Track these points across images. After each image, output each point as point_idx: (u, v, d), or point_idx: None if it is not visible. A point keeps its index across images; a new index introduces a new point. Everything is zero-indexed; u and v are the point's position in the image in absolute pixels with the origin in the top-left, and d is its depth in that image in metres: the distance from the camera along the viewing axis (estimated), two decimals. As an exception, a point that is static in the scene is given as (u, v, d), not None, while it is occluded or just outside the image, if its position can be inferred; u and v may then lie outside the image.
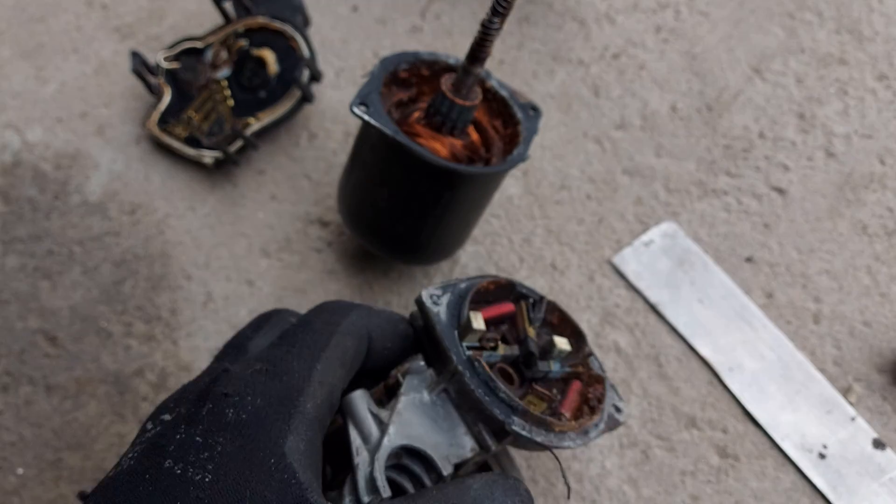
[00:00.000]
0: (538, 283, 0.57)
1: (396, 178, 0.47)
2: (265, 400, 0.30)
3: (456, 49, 0.66)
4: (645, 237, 0.57)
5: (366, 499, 0.32)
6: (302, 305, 0.57)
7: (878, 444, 0.50)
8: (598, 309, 0.56)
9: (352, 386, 0.36)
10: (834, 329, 0.54)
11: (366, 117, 0.43)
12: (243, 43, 0.64)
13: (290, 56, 0.63)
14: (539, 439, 0.35)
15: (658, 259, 0.57)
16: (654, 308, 0.55)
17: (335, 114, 0.65)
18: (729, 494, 0.50)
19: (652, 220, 0.58)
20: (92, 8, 0.71)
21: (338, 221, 0.61)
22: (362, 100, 0.44)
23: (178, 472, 0.27)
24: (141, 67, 0.63)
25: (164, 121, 0.64)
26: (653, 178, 0.59)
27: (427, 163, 0.43)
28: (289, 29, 0.64)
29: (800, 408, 0.51)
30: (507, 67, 0.65)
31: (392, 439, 0.33)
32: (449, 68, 0.50)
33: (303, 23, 0.66)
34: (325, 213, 0.61)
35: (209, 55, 0.65)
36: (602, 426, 0.38)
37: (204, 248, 0.61)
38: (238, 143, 0.61)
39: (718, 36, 0.64)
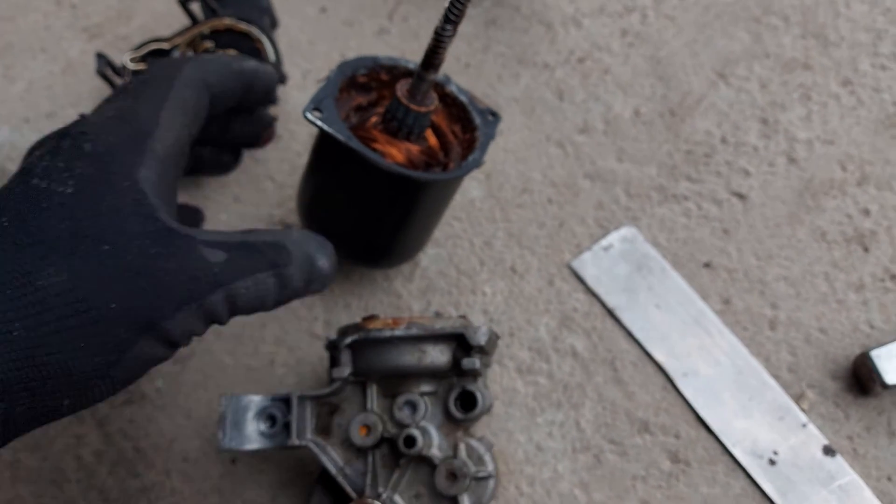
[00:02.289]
0: (498, 286, 0.57)
1: (353, 184, 0.47)
2: (118, 139, 0.35)
3: (422, 51, 0.66)
4: (604, 241, 0.57)
5: None
6: (262, 307, 0.57)
7: (829, 451, 0.50)
8: (557, 313, 0.56)
9: (212, 130, 0.46)
10: (790, 335, 0.54)
11: (318, 123, 0.43)
12: (209, 45, 0.64)
13: (256, 57, 0.63)
14: None
15: (617, 264, 0.57)
16: (611, 313, 0.55)
17: (300, 115, 0.65)
18: (680, 500, 0.50)
19: (612, 225, 0.58)
20: (61, 7, 0.71)
21: (300, 224, 0.61)
22: (316, 105, 0.44)
23: (44, 186, 0.33)
24: (106, 69, 0.63)
25: (129, 122, 0.64)
26: (614, 182, 0.60)
27: (381, 169, 0.43)
28: (255, 31, 0.64)
29: (752, 414, 0.52)
30: (472, 70, 0.65)
31: None
32: (408, 73, 0.50)
33: (270, 24, 0.66)
34: (288, 214, 0.61)
35: (176, 56, 0.65)
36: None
37: (167, 250, 0.62)
38: (201, 145, 0.61)
39: (684, 40, 0.64)
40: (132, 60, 0.65)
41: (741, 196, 0.58)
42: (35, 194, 0.32)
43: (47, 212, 0.32)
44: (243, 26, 0.64)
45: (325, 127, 0.43)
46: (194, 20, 0.65)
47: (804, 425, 0.51)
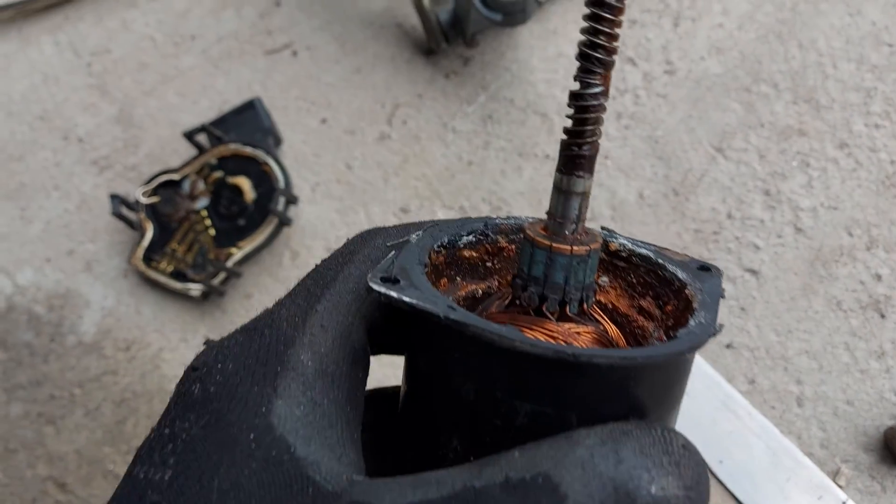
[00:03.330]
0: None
1: (469, 404, 0.24)
2: (239, 364, 0.23)
3: (425, 153, 0.67)
4: (626, 331, 0.59)
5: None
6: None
7: (871, 527, 0.51)
8: (587, 408, 0.57)
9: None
10: (818, 411, 0.55)
11: (393, 294, 0.24)
12: (218, 175, 0.65)
13: (264, 181, 0.65)
14: None
15: (640, 353, 0.58)
16: (641, 403, 0.57)
17: (314, 230, 0.67)
18: (730, 590, 0.51)
19: (631, 313, 0.59)
20: (69, 142, 0.73)
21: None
22: (386, 273, 0.25)
23: (141, 476, 0.23)
24: (120, 208, 0.65)
25: (148, 256, 0.65)
26: (628, 269, 0.61)
27: (522, 354, 0.22)
28: (261, 154, 0.65)
29: (791, 496, 0.53)
30: (475, 168, 0.66)
31: None
32: None
33: (274, 143, 0.68)
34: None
35: (186, 186, 0.66)
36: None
37: (199, 380, 0.63)
38: (222, 275, 0.63)
39: (678, 117, 0.65)
40: (144, 195, 0.67)
41: (754, 272, 0.59)
42: (129, 492, 0.23)
43: None
44: (249, 151, 0.65)
45: (406, 298, 0.23)
46: (200, 149, 0.67)
47: (844, 503, 0.52)
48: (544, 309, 0.26)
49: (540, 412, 0.23)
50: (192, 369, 0.24)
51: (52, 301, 0.67)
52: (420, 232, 0.28)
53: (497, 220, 0.29)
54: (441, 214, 0.65)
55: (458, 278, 0.29)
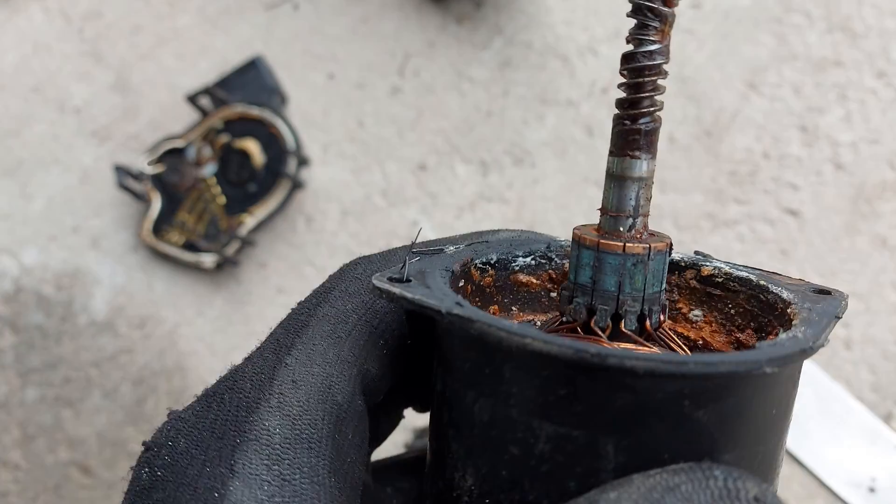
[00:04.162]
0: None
1: (483, 427, 0.20)
2: (191, 440, 0.20)
3: (440, 105, 0.64)
4: (662, 281, 0.56)
5: None
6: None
7: (928, 471, 0.49)
8: (625, 363, 0.55)
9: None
10: (867, 353, 0.53)
11: (395, 291, 0.20)
12: (224, 139, 0.62)
13: (273, 143, 0.62)
14: None
15: (678, 303, 0.56)
16: (681, 355, 0.54)
17: (328, 192, 0.64)
18: (784, 541, 0.49)
19: (666, 262, 0.57)
20: (65, 113, 0.70)
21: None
22: (398, 274, 0.21)
23: None
24: (125, 180, 0.62)
25: (157, 228, 0.62)
26: (661, 216, 0.58)
27: (535, 355, 0.18)
28: (267, 115, 0.62)
29: (843, 442, 0.51)
30: (495, 118, 0.63)
31: None
32: None
33: (280, 102, 0.65)
34: (335, 299, 0.60)
35: (192, 153, 0.63)
36: None
37: (219, 354, 0.61)
38: (235, 244, 0.60)
39: (707, 53, 0.62)
40: (149, 164, 0.63)
41: (793, 212, 0.57)
42: None
43: None
44: (255, 112, 0.62)
45: (408, 294, 0.20)
46: (204, 112, 0.63)
47: (898, 447, 0.50)
48: (593, 325, 0.21)
49: (565, 436, 0.18)
50: (145, 448, 0.20)
51: (61, 280, 0.65)
52: (461, 245, 0.24)
53: (562, 242, 0.24)
54: (461, 170, 0.62)
55: (513, 308, 0.25)
